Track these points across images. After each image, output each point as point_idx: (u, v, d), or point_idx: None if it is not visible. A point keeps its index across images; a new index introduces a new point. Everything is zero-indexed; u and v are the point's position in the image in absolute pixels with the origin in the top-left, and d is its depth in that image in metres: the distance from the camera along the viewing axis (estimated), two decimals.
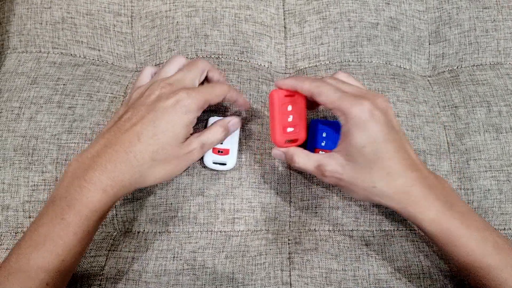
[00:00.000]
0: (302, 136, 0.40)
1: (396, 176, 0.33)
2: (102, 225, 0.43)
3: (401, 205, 0.34)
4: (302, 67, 0.51)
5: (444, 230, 0.33)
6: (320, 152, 0.42)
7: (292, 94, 0.38)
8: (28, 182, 0.42)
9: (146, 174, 0.35)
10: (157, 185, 0.43)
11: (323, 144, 0.43)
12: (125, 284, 0.39)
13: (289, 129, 0.39)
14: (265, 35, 0.51)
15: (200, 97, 0.36)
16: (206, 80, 0.41)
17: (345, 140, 0.34)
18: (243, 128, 0.45)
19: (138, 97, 0.37)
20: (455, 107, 0.48)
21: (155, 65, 0.49)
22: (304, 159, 0.37)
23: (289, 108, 0.38)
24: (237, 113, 0.45)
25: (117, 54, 0.51)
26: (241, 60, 0.49)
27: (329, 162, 0.35)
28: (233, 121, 0.41)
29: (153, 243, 0.41)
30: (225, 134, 0.40)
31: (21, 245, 0.31)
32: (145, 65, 0.45)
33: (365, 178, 0.34)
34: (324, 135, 0.43)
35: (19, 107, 0.45)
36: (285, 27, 0.52)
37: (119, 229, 0.43)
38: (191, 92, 0.35)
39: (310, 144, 0.43)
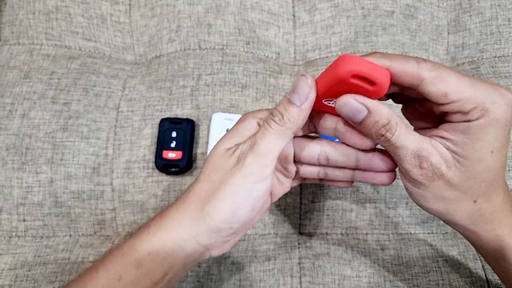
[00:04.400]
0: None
1: (500, 190, 0.27)
2: (101, 228, 0.41)
3: (486, 228, 0.28)
4: (312, 58, 0.48)
5: (506, 249, 0.28)
6: None
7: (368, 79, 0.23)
8: (21, 183, 0.40)
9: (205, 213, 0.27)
10: (158, 186, 0.40)
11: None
12: None
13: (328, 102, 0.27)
14: (273, 24, 0.47)
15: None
16: None
17: (468, 138, 0.25)
18: None
19: None
20: None
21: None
22: (406, 134, 0.25)
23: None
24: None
25: (115, 45, 0.48)
26: (247, 51, 0.46)
27: (435, 155, 0.25)
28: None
29: None
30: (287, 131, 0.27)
31: None
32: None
33: (470, 189, 0.26)
34: None
35: (11, 103, 0.42)
36: (294, 16, 0.48)
37: (118, 232, 0.41)
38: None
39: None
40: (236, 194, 0.27)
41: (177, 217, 0.27)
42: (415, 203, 0.28)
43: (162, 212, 0.28)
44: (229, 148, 0.28)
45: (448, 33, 0.49)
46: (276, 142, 0.27)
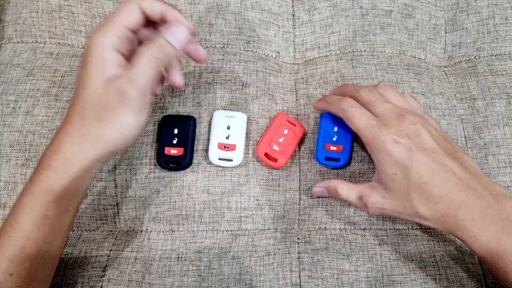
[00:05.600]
0: (282, 161, 0.40)
1: (437, 200, 0.32)
2: (103, 223, 0.41)
3: (448, 228, 0.32)
4: (312, 57, 0.48)
5: (494, 256, 0.30)
6: (331, 147, 0.41)
7: (294, 123, 0.42)
8: (25, 179, 0.40)
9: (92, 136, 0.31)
10: (160, 182, 0.41)
11: (334, 139, 0.41)
12: (128, 286, 0.37)
13: (275, 147, 0.41)
14: (273, 23, 0.48)
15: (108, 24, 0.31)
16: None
17: (377, 170, 0.35)
18: (249, 122, 0.43)
19: None
20: (473, 99, 0.46)
21: None
22: (347, 191, 0.37)
23: (285, 131, 0.41)
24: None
25: None
26: (248, 50, 0.47)
27: (371, 194, 0.35)
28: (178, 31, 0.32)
29: (157, 242, 0.40)
30: (162, 61, 0.31)
31: None
32: None
33: (406, 205, 0.33)
34: (335, 129, 0.41)
35: (15, 101, 0.43)
36: (293, 15, 0.49)
37: (121, 228, 0.41)
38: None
39: (320, 139, 0.41)
40: (128, 125, 0.31)
41: (80, 153, 0.30)
42: None
43: (57, 150, 0.30)
44: (108, 82, 0.29)
45: (446, 32, 0.50)
46: (153, 74, 0.30)
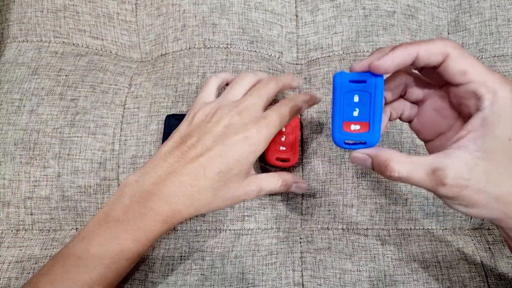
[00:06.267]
0: (294, 158, 0.39)
1: None
2: None
3: None
4: (315, 57, 0.49)
5: None
6: (352, 126, 0.28)
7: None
8: (29, 177, 0.41)
9: (201, 208, 0.33)
10: None
11: (355, 113, 0.28)
12: (131, 285, 0.37)
13: (282, 148, 0.40)
14: (276, 23, 0.48)
15: (269, 133, 0.33)
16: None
17: (482, 129, 0.24)
18: None
19: (203, 119, 0.34)
20: None
21: (217, 76, 0.40)
22: (409, 166, 0.25)
23: (283, 129, 0.40)
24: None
25: (121, 43, 0.49)
26: (251, 50, 0.47)
27: (451, 165, 0.24)
28: (301, 186, 0.38)
29: (160, 241, 0.40)
30: (283, 189, 0.37)
31: (68, 262, 0.30)
32: (210, 76, 0.39)
33: (503, 181, 0.25)
34: (355, 99, 0.27)
35: (20, 99, 0.43)
36: (296, 16, 0.49)
37: None
38: (261, 128, 0.33)
39: (336, 116, 0.28)
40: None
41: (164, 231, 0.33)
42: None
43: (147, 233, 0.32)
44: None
45: (448, 33, 0.50)
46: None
